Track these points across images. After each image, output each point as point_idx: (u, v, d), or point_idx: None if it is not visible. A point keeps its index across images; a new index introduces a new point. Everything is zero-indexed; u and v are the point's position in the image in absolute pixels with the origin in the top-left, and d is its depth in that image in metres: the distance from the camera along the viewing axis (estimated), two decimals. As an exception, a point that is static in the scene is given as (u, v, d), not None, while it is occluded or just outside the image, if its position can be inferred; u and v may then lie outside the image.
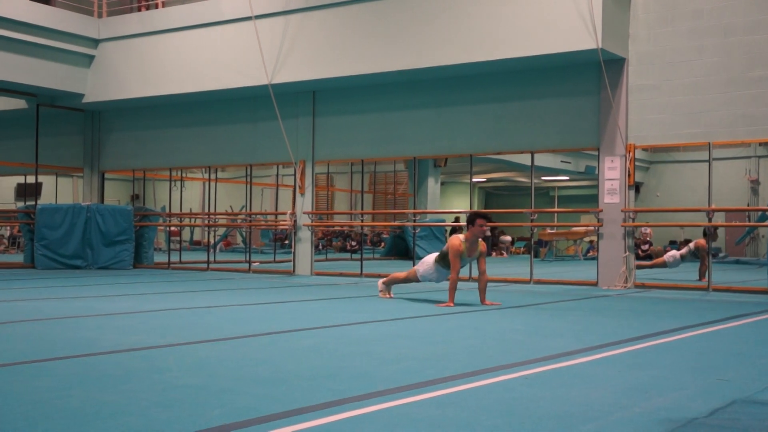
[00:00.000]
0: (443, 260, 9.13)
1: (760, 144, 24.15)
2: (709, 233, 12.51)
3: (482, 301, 9.13)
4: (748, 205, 25.30)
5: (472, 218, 9.01)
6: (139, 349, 5.51)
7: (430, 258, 9.37)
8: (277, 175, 22.41)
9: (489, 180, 32.44)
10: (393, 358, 5.23)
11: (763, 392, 4.22)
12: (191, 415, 3.57)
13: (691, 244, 14.39)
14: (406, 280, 9.75)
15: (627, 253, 12.13)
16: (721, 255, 24.70)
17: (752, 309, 9.10)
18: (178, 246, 20.87)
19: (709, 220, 11.85)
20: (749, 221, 23.38)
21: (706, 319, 7.92)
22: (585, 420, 3.56)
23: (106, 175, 18.47)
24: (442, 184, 28.28)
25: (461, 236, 9.03)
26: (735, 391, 4.25)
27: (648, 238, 25.83)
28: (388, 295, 9.95)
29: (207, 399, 3.90)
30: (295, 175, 15.31)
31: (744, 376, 4.73)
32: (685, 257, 14.45)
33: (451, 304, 8.87)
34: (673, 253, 14.77)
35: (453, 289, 8.97)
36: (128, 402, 3.81)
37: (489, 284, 10.82)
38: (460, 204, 32.17)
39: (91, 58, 16.55)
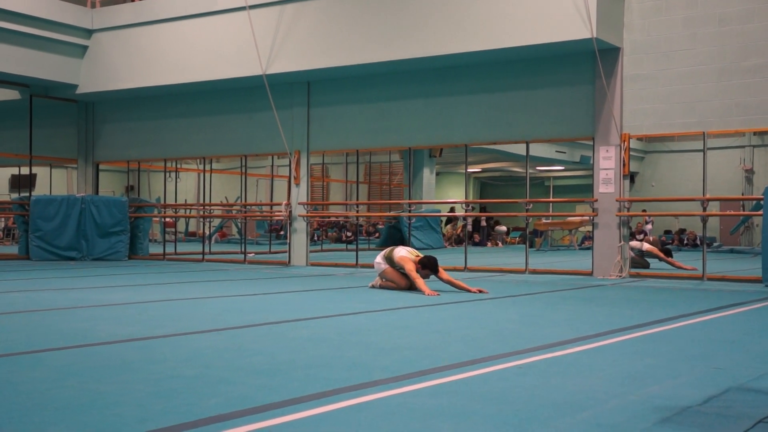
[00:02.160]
0: (389, 260, 9.67)
1: (755, 133, 24.21)
2: (664, 249, 14.25)
3: (469, 290, 9.22)
4: (742, 194, 25.37)
5: (434, 266, 9.32)
6: (135, 340, 5.51)
7: (379, 258, 9.86)
8: (272, 166, 22.40)
9: (484, 170, 32.47)
10: (389, 348, 5.24)
11: (756, 380, 4.24)
12: (187, 405, 3.57)
13: (644, 246, 14.27)
14: (399, 288, 9.67)
15: (622, 242, 12.15)
16: (715, 244, 24.78)
17: (747, 298, 9.13)
18: (173, 237, 20.84)
19: (704, 209, 11.88)
20: (744, 210, 23.43)
21: (700, 308, 7.95)
22: (580, 408, 3.57)
23: (101, 166, 18.42)
24: (438, 174, 28.28)
25: (413, 258, 9.42)
26: (729, 379, 4.26)
27: (642, 228, 25.85)
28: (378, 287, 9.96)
29: (203, 389, 3.90)
30: (290, 165, 15.29)
31: (738, 364, 4.75)
32: (634, 250, 13.94)
33: (433, 293, 8.92)
34: (632, 244, 14.18)
35: (421, 282, 9.13)
36: (124, 392, 3.81)
37: (483, 274, 10.79)
38: (456, 194, 32.20)
39: (85, 48, 16.48)
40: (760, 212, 11.14)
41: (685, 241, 25.14)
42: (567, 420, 3.36)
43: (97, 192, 18.04)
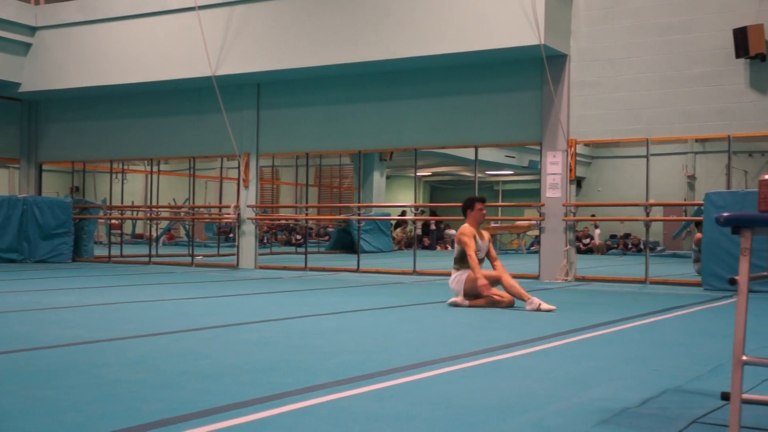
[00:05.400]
0: (460, 260, 8.22)
1: (696, 140, 24.79)
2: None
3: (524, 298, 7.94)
4: (684, 200, 25.96)
5: (470, 203, 8.11)
6: (79, 344, 5.42)
7: (452, 276, 8.31)
8: (221, 168, 22.22)
9: (434, 174, 32.65)
10: (334, 351, 5.25)
11: (693, 381, 4.35)
12: (129, 409, 3.53)
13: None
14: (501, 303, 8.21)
15: (568, 246, 12.34)
16: (658, 249, 25.30)
17: (687, 301, 9.35)
18: (119, 239, 20.53)
19: (647, 214, 12.12)
20: (686, 215, 23.99)
21: (643, 311, 8.11)
22: (522, 410, 3.62)
23: (44, 167, 18.07)
24: (388, 177, 28.35)
25: (468, 234, 8.06)
26: (667, 380, 4.37)
27: (589, 233, 26.24)
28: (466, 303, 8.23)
29: (147, 394, 3.86)
30: (239, 168, 15.19)
31: (677, 366, 4.86)
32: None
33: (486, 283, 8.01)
34: None
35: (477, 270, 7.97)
36: (65, 398, 3.75)
37: (432, 278, 10.73)
38: (405, 198, 32.31)
39: (28, 46, 16.15)
40: (701, 218, 11.41)
41: (630, 246, 25.63)
42: (510, 423, 3.41)
43: (40, 193, 17.67)
